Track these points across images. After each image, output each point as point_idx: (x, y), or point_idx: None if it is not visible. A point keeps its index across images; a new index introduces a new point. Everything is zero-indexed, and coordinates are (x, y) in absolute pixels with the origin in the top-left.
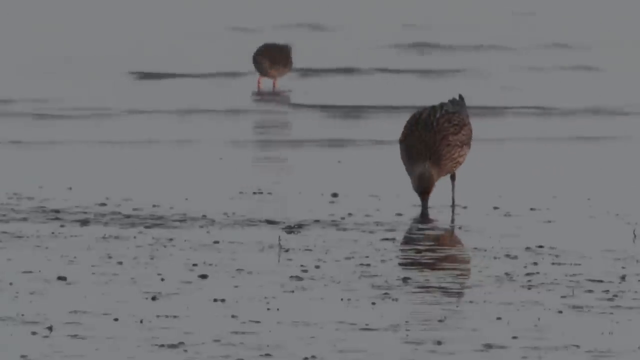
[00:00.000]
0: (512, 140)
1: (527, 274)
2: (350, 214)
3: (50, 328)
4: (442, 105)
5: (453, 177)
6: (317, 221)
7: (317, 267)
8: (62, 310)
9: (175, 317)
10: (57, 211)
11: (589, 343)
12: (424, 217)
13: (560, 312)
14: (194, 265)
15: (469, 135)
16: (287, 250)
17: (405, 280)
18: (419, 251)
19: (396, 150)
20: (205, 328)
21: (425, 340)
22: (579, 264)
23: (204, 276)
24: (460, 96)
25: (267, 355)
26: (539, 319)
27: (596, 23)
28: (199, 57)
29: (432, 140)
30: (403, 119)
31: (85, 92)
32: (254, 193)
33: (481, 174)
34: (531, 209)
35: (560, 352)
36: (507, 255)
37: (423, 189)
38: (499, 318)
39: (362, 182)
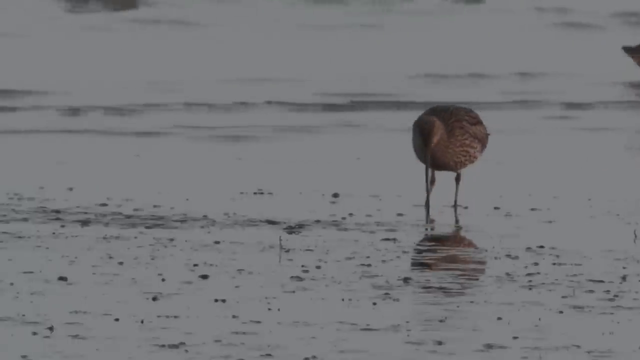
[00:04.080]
0: None
1: (528, 274)
2: (351, 214)
3: (51, 328)
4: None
5: (458, 179)
6: (317, 221)
7: (318, 267)
8: (62, 310)
9: (175, 317)
10: (57, 211)
11: (589, 343)
12: (426, 183)
13: (561, 312)
14: (195, 265)
15: (483, 134)
16: (287, 251)
17: (406, 280)
18: (419, 251)
19: None
20: (205, 328)
21: (426, 340)
22: (580, 264)
23: (204, 276)
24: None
25: (268, 355)
26: (539, 319)
27: None
28: None
29: (446, 117)
30: None
31: None
32: (255, 193)
33: (482, 174)
34: (532, 209)
35: (560, 352)
36: (508, 256)
37: (426, 133)
38: (499, 318)
39: (363, 182)
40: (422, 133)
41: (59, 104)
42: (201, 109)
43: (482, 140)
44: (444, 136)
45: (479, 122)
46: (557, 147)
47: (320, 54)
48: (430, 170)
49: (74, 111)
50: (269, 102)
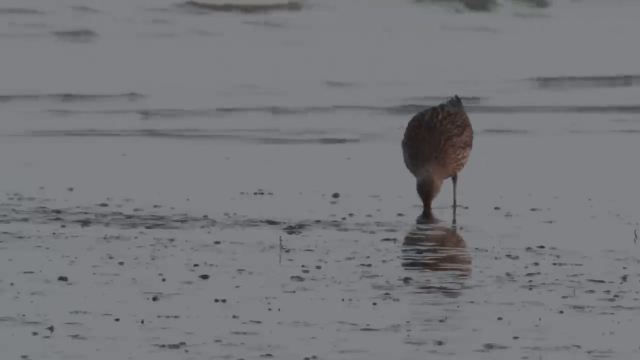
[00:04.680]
0: None
1: (528, 274)
2: (351, 214)
3: (51, 328)
4: (442, 106)
5: (454, 179)
6: (318, 221)
7: (318, 267)
8: (63, 310)
9: (176, 317)
10: (58, 211)
11: (589, 343)
12: (427, 218)
13: (561, 312)
14: (195, 265)
15: (471, 137)
16: (288, 251)
17: (406, 280)
18: (420, 251)
19: None
20: (206, 328)
21: (426, 340)
22: (580, 264)
23: (205, 276)
24: (457, 97)
25: (268, 355)
26: (540, 319)
27: None
28: None
29: (436, 141)
30: None
31: None
32: (255, 193)
33: (482, 173)
34: (532, 209)
35: (561, 353)
36: (508, 256)
37: (424, 195)
38: (499, 318)
39: (363, 182)
40: (421, 194)
41: (134, 108)
42: (268, 113)
43: (470, 144)
44: (442, 173)
45: (465, 126)
46: (577, 149)
47: (426, 57)
48: None
49: (145, 114)
50: (339, 107)
